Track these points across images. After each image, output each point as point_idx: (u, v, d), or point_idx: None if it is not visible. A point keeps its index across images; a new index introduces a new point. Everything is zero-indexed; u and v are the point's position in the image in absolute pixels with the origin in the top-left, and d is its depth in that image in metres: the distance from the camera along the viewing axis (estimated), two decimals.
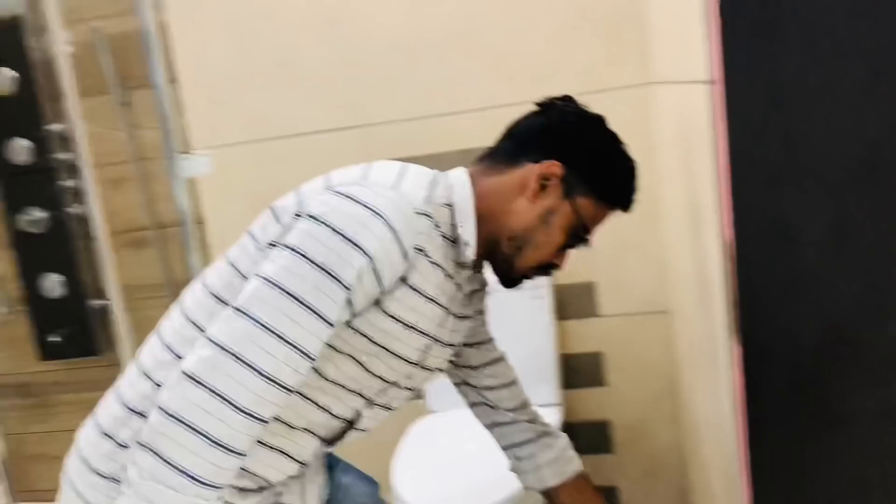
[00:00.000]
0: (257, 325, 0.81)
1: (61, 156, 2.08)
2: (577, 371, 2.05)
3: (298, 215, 0.88)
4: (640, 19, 1.83)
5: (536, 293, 1.88)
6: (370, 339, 0.92)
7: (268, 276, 0.83)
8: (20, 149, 2.05)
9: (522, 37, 1.90)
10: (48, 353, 2.19)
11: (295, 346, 0.82)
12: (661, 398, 2.02)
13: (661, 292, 1.97)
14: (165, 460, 0.78)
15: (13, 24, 2.04)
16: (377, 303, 0.89)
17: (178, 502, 0.78)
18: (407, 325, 0.93)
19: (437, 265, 0.94)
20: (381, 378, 0.97)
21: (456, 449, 1.72)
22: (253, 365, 0.80)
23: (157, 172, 2.15)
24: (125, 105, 2.11)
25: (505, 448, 1.27)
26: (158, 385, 0.92)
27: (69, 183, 2.08)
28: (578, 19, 1.87)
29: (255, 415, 0.81)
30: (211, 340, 0.81)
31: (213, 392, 0.79)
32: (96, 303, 2.14)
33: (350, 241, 0.84)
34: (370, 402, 1.01)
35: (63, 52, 2.07)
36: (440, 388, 1.87)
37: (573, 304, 2.02)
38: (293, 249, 0.84)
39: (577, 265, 1.99)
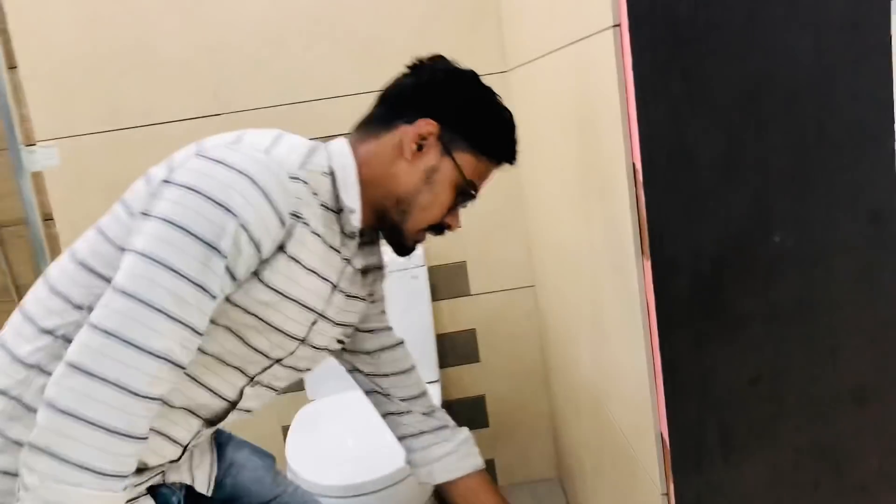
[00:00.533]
0: (139, 303, 0.77)
1: None
2: (453, 349, 2.12)
3: (167, 181, 0.84)
4: (498, 11, 1.95)
5: (414, 273, 1.93)
6: (249, 312, 0.88)
7: (142, 251, 0.79)
8: None
9: (387, 24, 1.96)
10: None
11: (181, 322, 0.78)
12: (532, 369, 2.14)
13: (527, 268, 2.09)
14: (64, 459, 0.73)
15: None
16: (256, 273, 0.86)
17: (86, 499, 0.74)
18: (287, 296, 0.90)
19: (317, 235, 0.91)
20: (263, 354, 0.94)
21: (343, 430, 1.72)
22: (142, 346, 0.76)
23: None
24: None
25: (399, 439, 1.23)
26: (18, 359, 0.87)
27: None
28: (440, 9, 1.95)
29: (152, 396, 0.78)
30: (94, 326, 0.77)
31: (105, 380, 0.74)
32: None
33: (221, 206, 0.80)
34: (253, 381, 0.97)
35: None
36: (318, 376, 1.87)
37: (446, 285, 2.09)
38: (164, 220, 0.80)
39: (447, 247, 2.06)
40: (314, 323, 0.96)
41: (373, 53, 1.97)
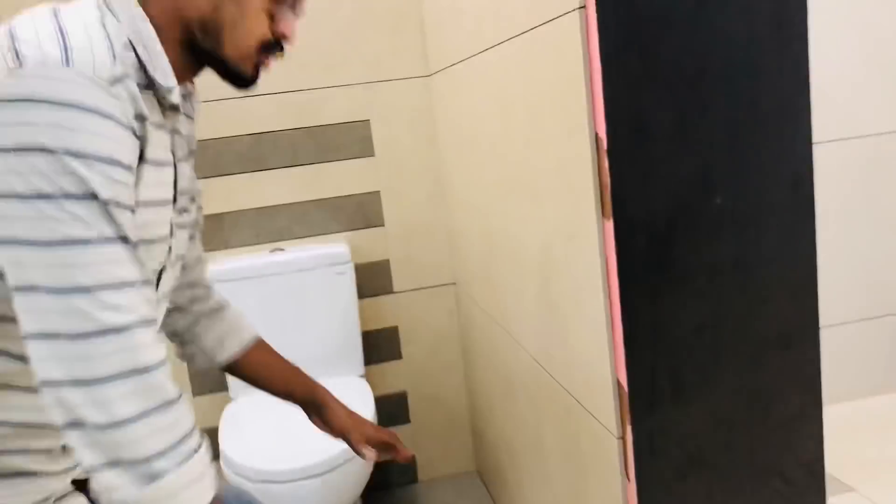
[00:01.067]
0: (67, 291, 0.68)
1: None
2: (376, 346, 2.15)
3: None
4: (420, 17, 2.04)
5: (340, 269, 1.96)
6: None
7: (33, 239, 0.67)
8: None
9: (313, 28, 1.99)
10: None
11: (124, 284, 0.71)
12: (452, 365, 2.21)
13: (448, 267, 2.16)
14: (143, 460, 0.69)
15: None
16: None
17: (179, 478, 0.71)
18: (156, 202, 0.81)
19: (155, 124, 0.80)
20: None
21: (273, 421, 1.71)
22: (105, 326, 0.68)
23: None
24: None
25: (183, 333, 1.12)
26: None
27: None
28: (363, 14, 2.01)
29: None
30: (44, 334, 0.68)
31: (115, 372, 0.69)
32: None
33: (76, 155, 0.67)
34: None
35: None
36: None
37: (370, 283, 2.13)
38: (32, 197, 0.67)
39: (371, 246, 2.10)
40: (171, 212, 0.86)
41: (298, 55, 1.99)
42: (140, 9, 0.77)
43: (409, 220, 2.12)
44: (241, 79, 0.85)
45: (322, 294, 1.95)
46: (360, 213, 2.09)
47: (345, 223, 2.09)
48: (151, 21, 0.78)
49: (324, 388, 1.15)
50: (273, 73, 1.98)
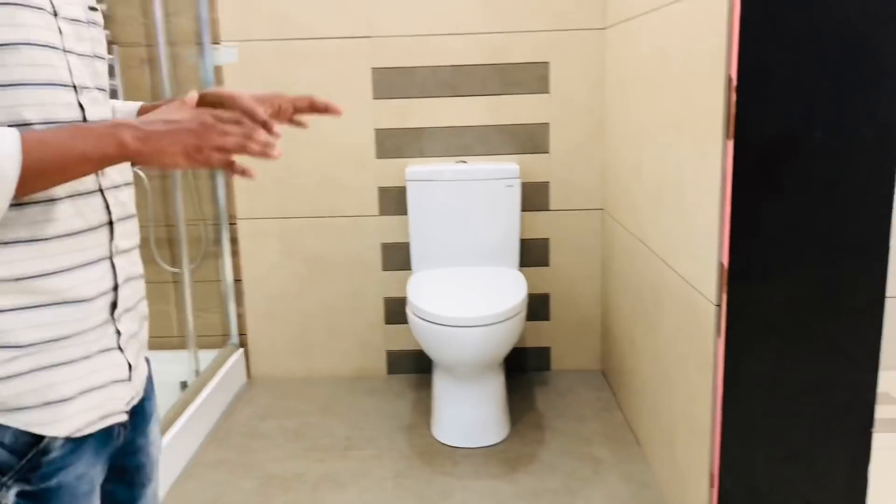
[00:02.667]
0: None
1: None
2: (529, 252, 2.59)
3: None
4: None
5: (510, 183, 2.40)
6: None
7: None
8: None
9: None
10: None
11: None
12: (590, 277, 2.61)
13: (599, 193, 2.55)
14: None
15: None
16: None
17: None
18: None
19: None
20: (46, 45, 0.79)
21: (446, 286, 2.19)
22: None
23: (184, 58, 2.44)
24: None
25: None
26: None
27: None
28: None
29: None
30: None
31: None
32: None
33: None
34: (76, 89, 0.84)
35: None
36: (418, 253, 2.36)
37: (530, 199, 2.55)
38: None
39: (536, 169, 2.52)
40: None
41: (495, 2, 2.41)
42: None
43: (570, 150, 2.51)
44: None
45: (493, 201, 2.40)
46: (531, 140, 2.51)
47: (517, 147, 2.51)
48: None
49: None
50: (472, 17, 2.42)
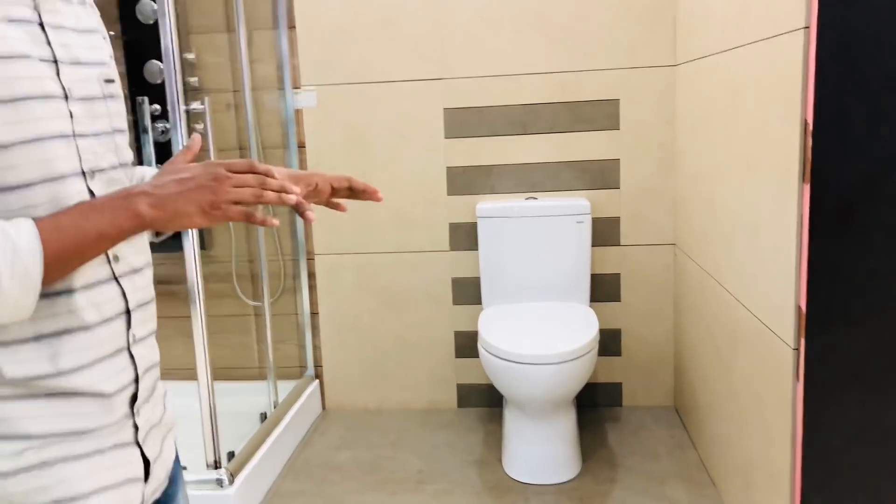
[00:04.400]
0: None
1: (189, 79, 2.47)
2: (600, 287, 2.60)
3: None
4: (673, 13, 2.40)
5: (581, 219, 2.41)
6: None
7: None
8: (156, 70, 2.42)
9: (580, 19, 2.44)
10: None
11: None
12: (662, 312, 2.59)
13: (670, 228, 2.54)
14: None
15: None
16: None
17: None
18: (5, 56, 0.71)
19: None
20: (55, 135, 0.76)
21: (522, 323, 2.22)
22: None
23: (266, 102, 2.56)
24: (248, 42, 2.51)
25: None
26: None
27: (193, 104, 2.47)
28: (623, 9, 2.42)
29: None
30: None
31: None
32: None
33: None
34: (86, 175, 0.81)
35: None
36: (488, 288, 2.39)
37: (601, 234, 2.56)
38: None
39: (606, 204, 2.53)
40: (58, 73, 0.77)
41: (566, 41, 2.45)
42: None
43: (641, 185, 2.52)
44: None
45: (564, 237, 2.42)
46: (601, 175, 2.52)
47: (587, 183, 2.53)
48: None
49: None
50: (542, 57, 2.46)
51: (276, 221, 0.82)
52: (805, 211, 1.35)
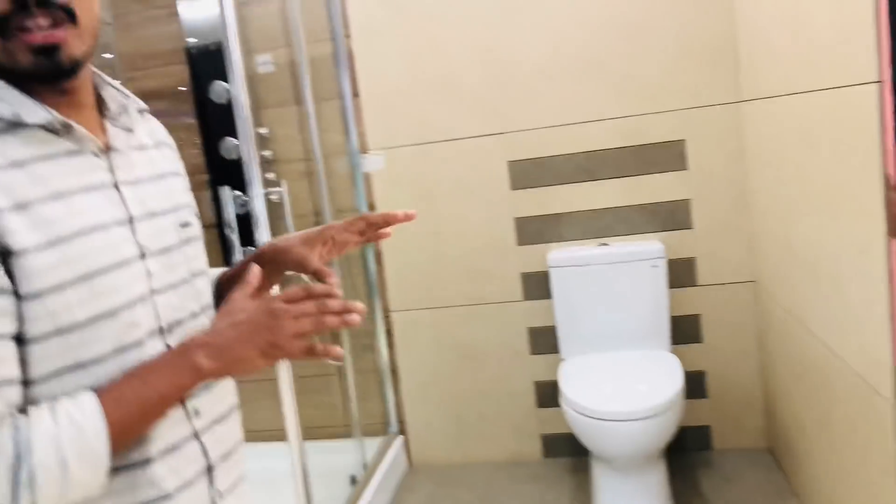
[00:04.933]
0: None
1: (264, 152, 2.57)
2: (680, 329, 2.55)
3: None
4: (734, 51, 2.37)
5: (655, 263, 2.39)
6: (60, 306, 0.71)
7: None
8: (231, 146, 2.54)
9: (638, 63, 2.44)
10: None
11: None
12: (747, 352, 2.53)
13: (748, 265, 2.48)
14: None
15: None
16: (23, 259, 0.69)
17: None
18: (87, 230, 0.74)
19: (44, 156, 0.74)
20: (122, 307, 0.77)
21: (600, 376, 2.20)
22: None
23: (337, 168, 2.64)
24: (316, 113, 2.61)
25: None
26: None
27: (268, 175, 2.57)
28: (684, 49, 2.41)
29: None
30: None
31: None
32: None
33: None
34: (162, 331, 0.83)
35: (264, 70, 2.58)
36: (568, 337, 2.38)
37: (677, 276, 2.52)
38: None
39: (680, 245, 2.50)
40: (134, 232, 0.79)
41: (625, 86, 2.45)
42: None
43: (714, 224, 2.47)
44: (35, 74, 0.74)
45: (639, 282, 2.40)
46: (672, 216, 2.49)
47: (658, 225, 2.51)
48: None
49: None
50: (604, 104, 2.47)
51: (340, 352, 0.77)
52: (894, 267, 1.31)
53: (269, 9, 2.60)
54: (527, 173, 2.56)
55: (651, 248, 2.39)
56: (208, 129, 2.60)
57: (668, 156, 2.46)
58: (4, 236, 0.67)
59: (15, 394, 0.68)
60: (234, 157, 2.57)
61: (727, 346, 2.54)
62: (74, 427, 0.67)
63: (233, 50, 1.88)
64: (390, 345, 2.74)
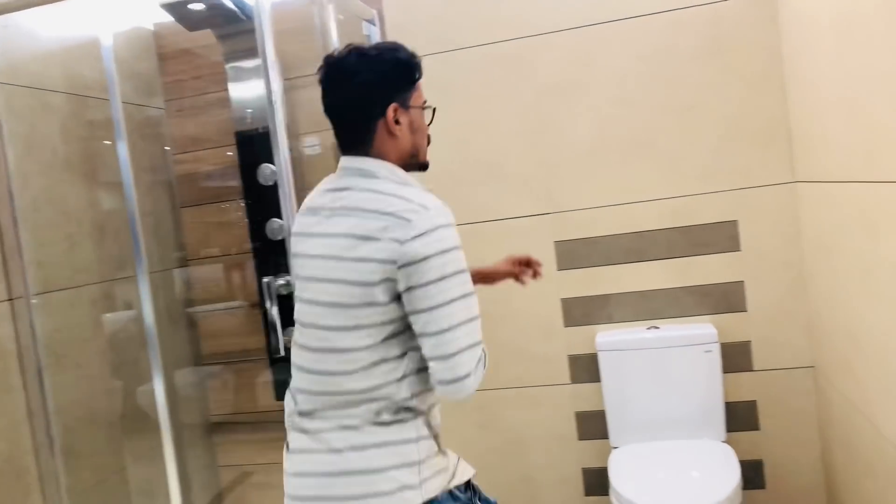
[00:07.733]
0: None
1: None
2: (735, 416, 2.45)
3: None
4: (787, 133, 2.33)
5: (708, 347, 2.31)
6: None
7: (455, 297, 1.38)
8: (277, 227, 2.55)
9: (688, 143, 2.41)
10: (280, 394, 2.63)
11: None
12: (807, 441, 2.41)
13: (807, 350, 2.39)
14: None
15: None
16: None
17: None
18: None
19: None
20: None
21: (655, 468, 2.11)
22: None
23: None
24: None
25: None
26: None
27: None
28: (735, 130, 2.37)
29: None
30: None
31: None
32: None
33: (460, 247, 1.44)
34: None
35: (311, 153, 2.61)
36: (618, 426, 2.30)
37: (731, 360, 2.44)
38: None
39: (733, 329, 2.42)
40: None
41: (676, 167, 2.42)
42: (388, 162, 1.39)
43: (770, 307, 2.39)
44: (426, 166, 1.50)
45: (691, 368, 2.32)
46: (725, 299, 2.42)
47: (710, 307, 2.44)
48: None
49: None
50: (653, 184, 2.43)
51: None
52: None
53: (318, 92, 2.64)
54: (574, 253, 2.52)
55: (704, 332, 2.32)
56: (254, 210, 2.63)
57: (719, 237, 2.41)
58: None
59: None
60: (278, 238, 2.58)
61: (786, 435, 2.43)
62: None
63: (279, 134, 1.92)
64: None
